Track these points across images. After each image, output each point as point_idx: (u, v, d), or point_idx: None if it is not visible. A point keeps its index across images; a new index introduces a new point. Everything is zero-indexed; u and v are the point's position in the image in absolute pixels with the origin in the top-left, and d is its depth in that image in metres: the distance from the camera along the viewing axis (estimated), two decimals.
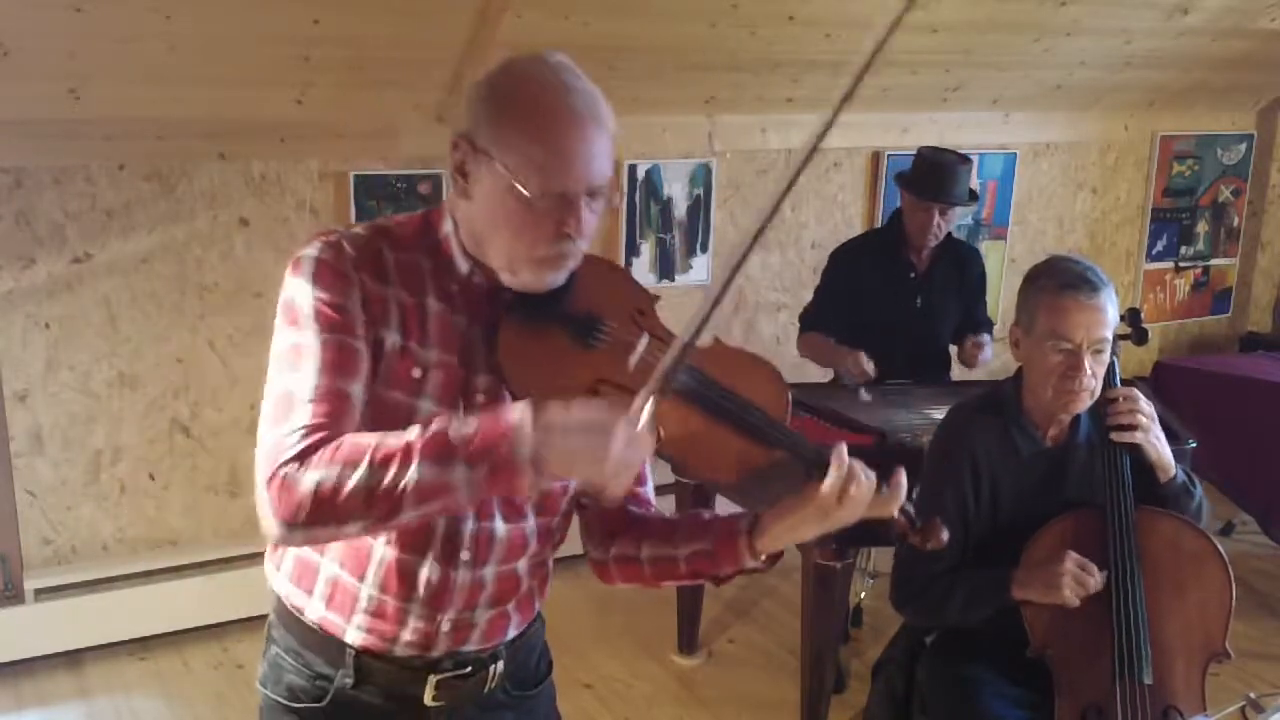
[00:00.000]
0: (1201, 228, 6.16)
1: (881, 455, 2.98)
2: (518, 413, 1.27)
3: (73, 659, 3.62)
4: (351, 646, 1.51)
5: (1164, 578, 2.21)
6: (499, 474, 1.27)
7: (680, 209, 4.55)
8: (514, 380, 1.43)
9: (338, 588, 1.50)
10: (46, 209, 3.50)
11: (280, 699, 1.57)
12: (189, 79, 3.36)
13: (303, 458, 1.30)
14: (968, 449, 2.32)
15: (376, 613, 1.50)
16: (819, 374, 4.07)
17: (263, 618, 1.64)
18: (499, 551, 1.51)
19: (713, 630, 3.94)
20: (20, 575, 3.60)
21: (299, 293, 1.40)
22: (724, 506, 1.68)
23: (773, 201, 1.36)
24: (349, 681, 1.52)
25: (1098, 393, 2.26)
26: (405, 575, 1.48)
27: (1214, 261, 6.27)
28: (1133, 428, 2.25)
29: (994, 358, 3.81)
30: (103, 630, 3.66)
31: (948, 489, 2.31)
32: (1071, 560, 2.14)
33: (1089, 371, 2.20)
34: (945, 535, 1.51)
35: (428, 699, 1.54)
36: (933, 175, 3.67)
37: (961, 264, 3.89)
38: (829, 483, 1.39)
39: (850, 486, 1.39)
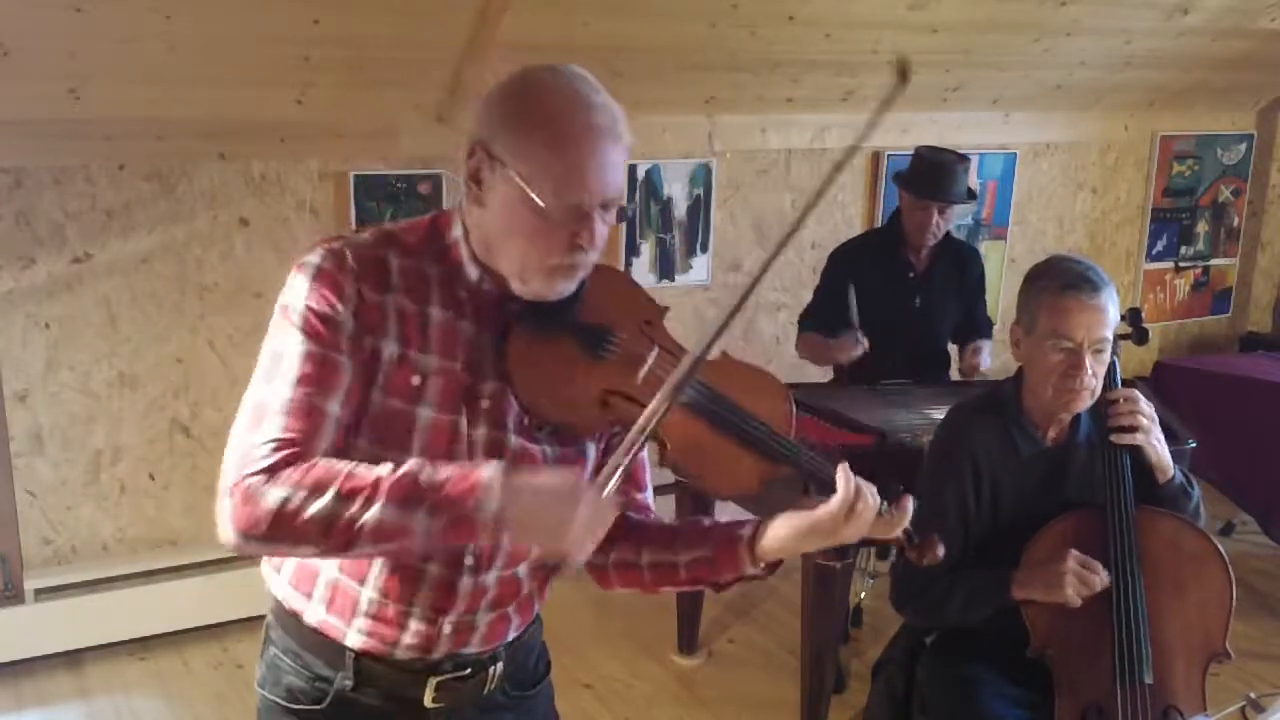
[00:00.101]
0: (1201, 228, 6.16)
1: (881, 455, 3.02)
2: (489, 471, 1.30)
3: (73, 659, 3.62)
4: (352, 649, 1.51)
5: (1164, 578, 2.21)
6: (459, 527, 1.29)
7: (680, 209, 4.55)
8: (522, 389, 1.44)
9: (338, 591, 1.50)
10: (46, 209, 3.50)
11: (279, 700, 1.56)
12: (189, 79, 3.36)
13: (271, 471, 1.32)
14: (968, 449, 2.32)
15: (377, 616, 1.49)
16: (819, 374, 4.07)
17: (263, 618, 1.64)
18: (502, 556, 1.51)
19: (713, 630, 3.94)
20: (20, 575, 3.60)
21: (293, 298, 1.40)
22: (724, 512, 1.69)
23: (787, 232, 1.45)
24: (349, 684, 1.52)
25: (1098, 392, 2.26)
26: (407, 579, 1.48)
27: (1214, 261, 6.26)
28: (1133, 429, 2.25)
29: (994, 360, 3.81)
30: (103, 630, 3.66)
31: (948, 489, 2.31)
32: (1074, 559, 2.14)
33: (1090, 371, 2.20)
34: (941, 552, 1.54)
35: (427, 701, 1.54)
36: (931, 174, 3.67)
37: (961, 264, 3.89)
38: (836, 502, 1.41)
39: (858, 504, 1.41)
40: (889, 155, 4.92)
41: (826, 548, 1.47)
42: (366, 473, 1.30)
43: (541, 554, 1.51)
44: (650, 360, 1.48)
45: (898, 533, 1.49)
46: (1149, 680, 2.14)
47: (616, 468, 1.34)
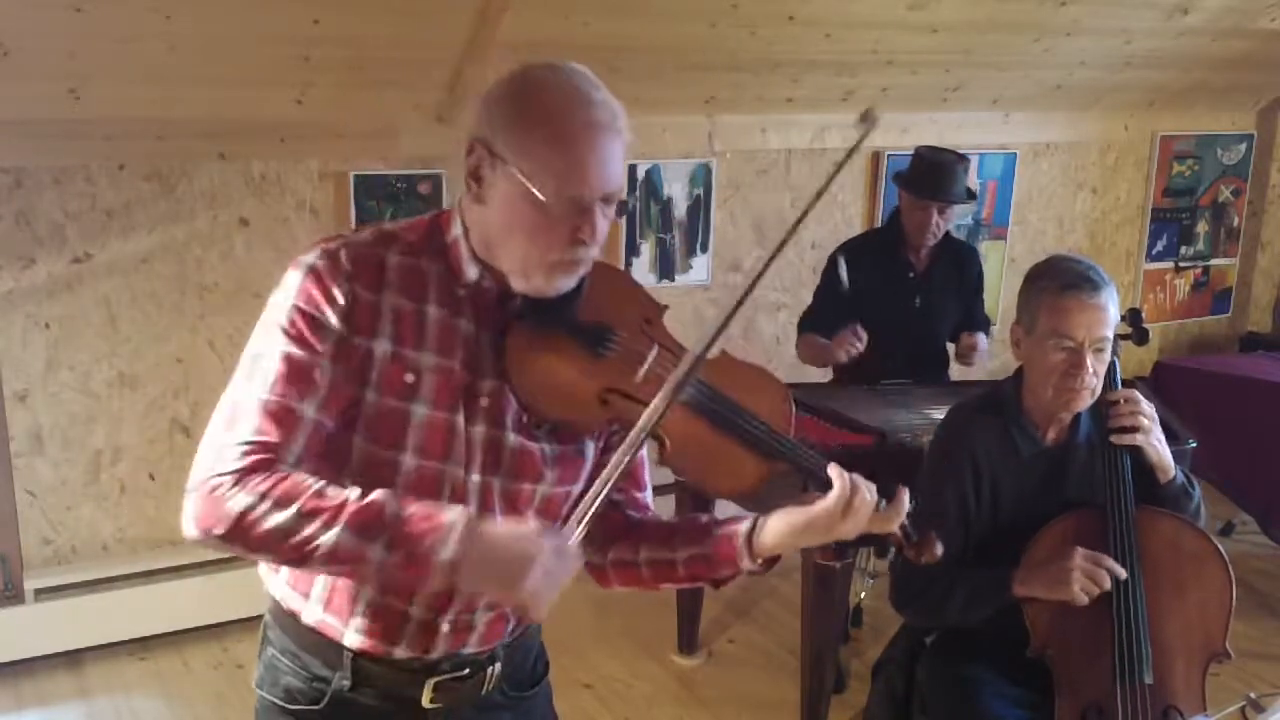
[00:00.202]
0: (1201, 228, 6.16)
1: (881, 455, 3.02)
2: (454, 514, 1.30)
3: (73, 659, 3.62)
4: (349, 649, 1.51)
5: (1164, 578, 2.21)
6: (413, 566, 1.29)
7: (680, 209, 4.56)
8: (520, 387, 1.44)
9: (336, 591, 1.50)
10: (46, 209, 3.50)
11: (277, 700, 1.56)
12: (189, 79, 3.36)
13: (241, 476, 1.31)
14: (968, 449, 2.32)
15: (376, 616, 1.49)
16: (819, 374, 4.07)
17: (263, 618, 1.64)
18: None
19: (713, 630, 3.94)
20: (20, 575, 3.60)
21: (283, 297, 1.40)
22: (723, 511, 1.69)
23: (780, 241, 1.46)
24: (346, 684, 1.52)
25: (1098, 392, 2.26)
26: None
27: (1214, 261, 6.26)
28: (1134, 429, 2.24)
29: (992, 358, 3.80)
30: (103, 630, 3.66)
31: (948, 489, 2.31)
32: (1081, 555, 2.14)
33: (1090, 370, 2.20)
34: (940, 550, 1.54)
35: (425, 701, 1.54)
36: (930, 174, 3.67)
37: (960, 263, 3.89)
38: (833, 498, 1.42)
39: (855, 499, 1.42)
40: (889, 155, 4.92)
41: (825, 544, 1.47)
42: (334, 494, 1.30)
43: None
44: (650, 359, 1.48)
45: (895, 527, 1.49)
46: (1149, 680, 2.14)
47: (584, 516, 1.34)
